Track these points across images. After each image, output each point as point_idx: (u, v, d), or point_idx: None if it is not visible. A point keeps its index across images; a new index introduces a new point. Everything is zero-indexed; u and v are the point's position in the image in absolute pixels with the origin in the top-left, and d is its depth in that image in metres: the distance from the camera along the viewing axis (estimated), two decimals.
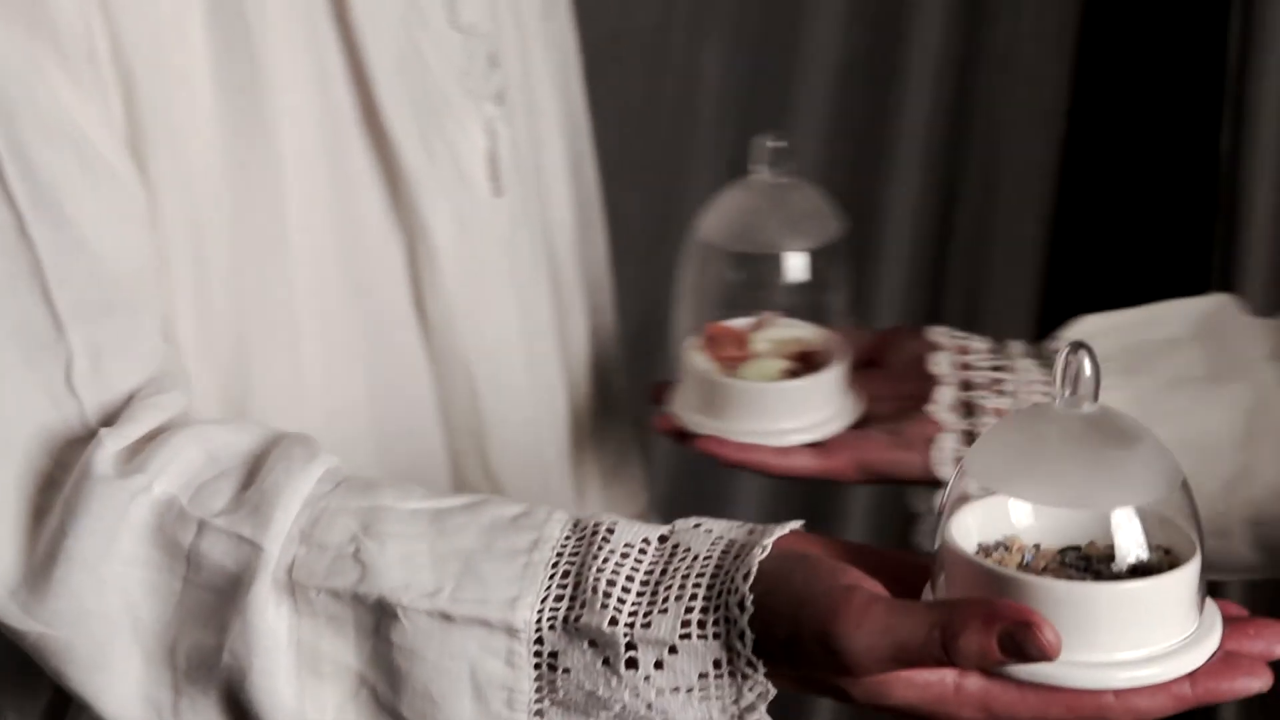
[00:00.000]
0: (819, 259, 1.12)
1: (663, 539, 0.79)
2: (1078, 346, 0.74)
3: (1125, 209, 2.08)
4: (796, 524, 0.78)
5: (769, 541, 0.76)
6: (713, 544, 0.77)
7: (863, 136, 2.08)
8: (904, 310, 2.03)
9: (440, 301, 1.02)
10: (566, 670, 0.77)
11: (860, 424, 1.09)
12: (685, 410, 1.10)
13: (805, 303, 1.13)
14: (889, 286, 2.09)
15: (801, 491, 2.05)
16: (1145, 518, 0.75)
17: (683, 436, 1.10)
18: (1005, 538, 0.77)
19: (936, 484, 1.05)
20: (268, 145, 0.94)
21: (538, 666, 0.78)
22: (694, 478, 1.99)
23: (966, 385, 1.06)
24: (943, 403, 1.05)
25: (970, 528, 0.77)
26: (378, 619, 0.79)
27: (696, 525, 0.79)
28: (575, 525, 0.80)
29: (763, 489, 2.09)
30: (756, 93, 2.06)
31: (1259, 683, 0.74)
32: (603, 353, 1.20)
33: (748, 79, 2.06)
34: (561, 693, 0.78)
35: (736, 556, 0.76)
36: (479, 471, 1.07)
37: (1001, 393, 1.05)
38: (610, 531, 0.79)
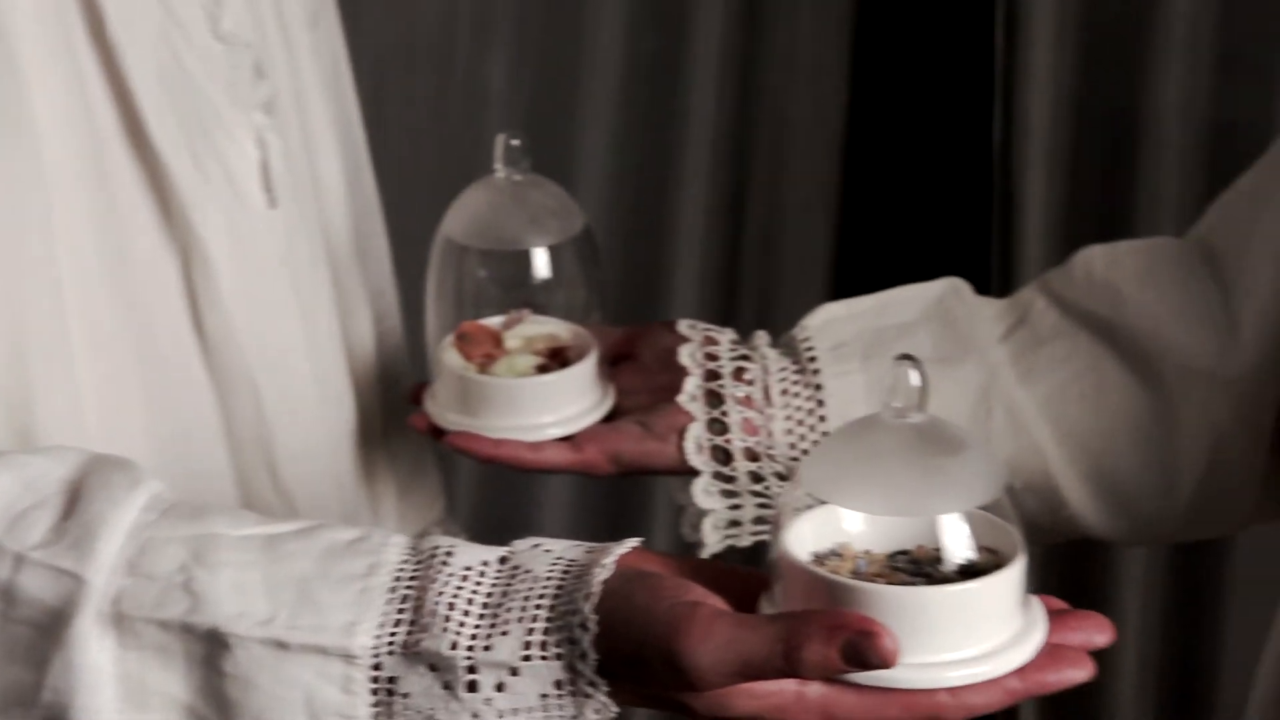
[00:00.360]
0: (564, 254, 1.14)
1: (503, 560, 0.78)
2: (905, 358, 0.75)
3: (906, 202, 2.12)
4: (635, 541, 0.78)
5: (610, 561, 0.76)
6: (553, 564, 0.77)
7: (650, 139, 2.09)
8: (698, 311, 2.05)
9: (219, 316, 1.00)
10: (406, 695, 0.76)
11: (613, 417, 1.11)
12: (440, 408, 1.11)
13: (558, 299, 1.14)
14: (682, 289, 2.11)
15: (606, 491, 2.07)
16: (971, 520, 0.77)
17: (438, 434, 1.11)
18: (838, 545, 0.79)
19: (691, 474, 1.08)
20: (29, 160, 0.91)
21: (375, 692, 0.77)
22: (500, 479, 1.99)
23: (712, 375, 1.08)
24: (688, 393, 1.07)
25: (805, 536, 0.78)
26: (209, 649, 0.78)
27: (535, 545, 0.79)
28: (413, 549, 0.79)
29: (570, 488, 2.10)
30: (542, 98, 2.06)
31: (1083, 673, 0.76)
32: (390, 361, 1.19)
33: (533, 84, 2.07)
34: (400, 718, 0.77)
35: (578, 577, 0.76)
36: (269, 487, 1.05)
37: (747, 381, 1.07)
38: (450, 554, 0.78)
